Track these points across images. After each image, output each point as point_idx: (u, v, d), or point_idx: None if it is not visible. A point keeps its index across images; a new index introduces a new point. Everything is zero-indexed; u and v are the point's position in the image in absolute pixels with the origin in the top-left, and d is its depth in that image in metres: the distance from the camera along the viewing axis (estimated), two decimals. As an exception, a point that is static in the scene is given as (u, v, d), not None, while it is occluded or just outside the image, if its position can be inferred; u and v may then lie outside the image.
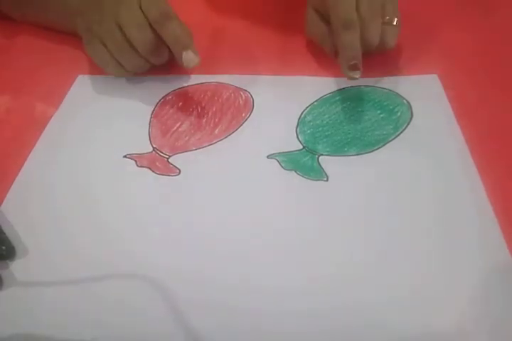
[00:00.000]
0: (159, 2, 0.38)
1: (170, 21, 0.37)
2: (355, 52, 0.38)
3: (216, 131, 0.39)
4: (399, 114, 0.38)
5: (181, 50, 0.38)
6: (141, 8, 0.38)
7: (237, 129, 0.39)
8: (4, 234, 0.32)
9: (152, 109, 0.41)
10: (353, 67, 0.38)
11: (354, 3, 0.37)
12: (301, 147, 0.37)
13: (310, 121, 0.39)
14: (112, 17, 0.38)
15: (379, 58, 0.44)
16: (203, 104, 0.41)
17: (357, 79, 0.38)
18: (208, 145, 0.38)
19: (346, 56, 0.38)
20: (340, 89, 0.41)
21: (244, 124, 0.39)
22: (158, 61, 0.41)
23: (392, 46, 0.41)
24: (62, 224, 0.33)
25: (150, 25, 0.37)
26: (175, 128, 0.39)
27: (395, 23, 0.39)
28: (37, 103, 0.43)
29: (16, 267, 0.31)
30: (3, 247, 0.31)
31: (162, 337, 0.27)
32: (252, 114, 0.40)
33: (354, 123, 0.38)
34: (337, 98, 0.40)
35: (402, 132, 0.37)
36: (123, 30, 0.38)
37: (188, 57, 0.38)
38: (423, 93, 0.40)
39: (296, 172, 0.35)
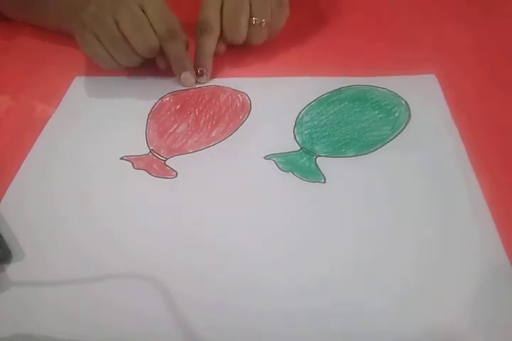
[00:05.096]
0: (168, 16, 0.38)
1: (175, 40, 0.38)
2: (204, 59, 0.42)
3: (213, 134, 0.39)
4: (397, 114, 0.38)
5: (181, 71, 0.41)
6: (143, 10, 0.37)
7: (234, 132, 0.39)
8: (1, 237, 0.32)
9: (149, 110, 0.41)
10: (200, 73, 0.42)
11: (219, 6, 0.40)
12: (299, 148, 0.37)
13: (307, 122, 0.39)
14: (110, 13, 0.37)
15: (377, 58, 0.43)
16: (201, 107, 0.41)
17: (203, 83, 0.43)
18: (205, 147, 0.38)
19: (196, 61, 0.42)
20: (337, 89, 0.41)
21: (241, 126, 0.39)
22: (153, 56, 0.41)
23: (257, 44, 0.43)
24: (60, 224, 0.33)
25: (150, 26, 0.37)
26: (172, 129, 0.39)
27: (263, 24, 0.41)
28: (37, 103, 0.43)
29: (16, 267, 0.31)
30: (0, 251, 0.31)
31: (162, 337, 0.27)
32: (249, 115, 0.40)
33: (352, 124, 0.38)
34: (334, 98, 0.40)
35: (399, 133, 0.37)
36: (120, 28, 0.37)
37: (186, 78, 0.42)
38: (421, 93, 0.39)
39: (293, 173, 0.35)
